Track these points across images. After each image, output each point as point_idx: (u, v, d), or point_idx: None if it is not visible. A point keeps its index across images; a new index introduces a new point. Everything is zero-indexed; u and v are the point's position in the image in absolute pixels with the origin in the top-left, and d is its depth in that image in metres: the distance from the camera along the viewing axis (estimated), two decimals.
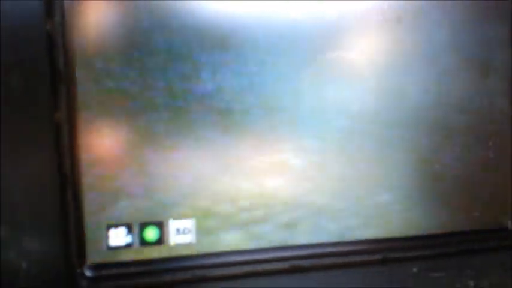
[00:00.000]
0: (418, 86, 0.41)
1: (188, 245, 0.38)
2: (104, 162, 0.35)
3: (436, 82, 0.41)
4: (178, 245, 0.38)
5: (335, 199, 0.41)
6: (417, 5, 0.40)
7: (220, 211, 0.38)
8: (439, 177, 0.43)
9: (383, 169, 0.41)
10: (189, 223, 0.38)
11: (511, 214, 0.45)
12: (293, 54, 0.38)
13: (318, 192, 0.40)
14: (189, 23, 0.36)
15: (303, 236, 0.40)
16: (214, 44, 0.36)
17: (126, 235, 0.37)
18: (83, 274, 0.35)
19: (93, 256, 0.36)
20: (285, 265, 0.40)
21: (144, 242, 0.37)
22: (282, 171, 0.39)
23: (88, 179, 0.35)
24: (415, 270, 0.41)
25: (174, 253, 0.38)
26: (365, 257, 0.41)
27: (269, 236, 0.39)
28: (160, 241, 0.37)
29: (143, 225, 0.37)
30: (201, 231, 0.38)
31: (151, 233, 0.37)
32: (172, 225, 0.38)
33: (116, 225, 0.36)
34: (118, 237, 0.36)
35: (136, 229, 0.37)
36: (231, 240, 0.39)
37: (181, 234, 0.38)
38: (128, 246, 0.37)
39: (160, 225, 0.37)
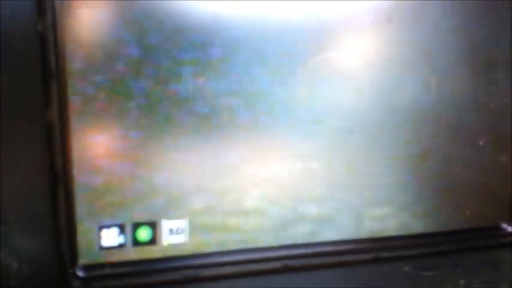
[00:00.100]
0: (413, 85, 0.41)
1: (181, 245, 0.38)
2: (96, 162, 0.35)
3: (430, 81, 0.42)
4: (171, 245, 0.38)
5: (325, 203, 0.41)
6: (409, 5, 0.40)
7: (213, 211, 0.38)
8: (432, 176, 0.43)
9: (375, 168, 0.42)
10: (182, 223, 0.38)
11: (509, 213, 0.45)
12: (283, 55, 0.38)
13: (309, 195, 0.40)
14: (184, 23, 0.36)
15: (294, 238, 0.40)
16: (214, 45, 0.36)
17: (119, 235, 0.36)
18: (75, 274, 0.35)
19: (86, 256, 0.36)
20: (277, 265, 0.40)
21: (136, 242, 0.37)
22: (277, 174, 0.39)
23: (80, 178, 0.35)
24: (407, 269, 0.41)
25: (167, 253, 0.38)
26: (357, 256, 0.41)
27: (262, 236, 0.40)
28: (153, 241, 0.37)
29: (136, 226, 0.37)
30: (194, 231, 0.38)
31: (144, 233, 0.37)
32: (165, 225, 0.37)
33: (109, 226, 0.36)
34: (110, 237, 0.36)
35: (128, 229, 0.37)
36: (224, 240, 0.39)
37: (174, 234, 0.38)
38: (121, 246, 0.36)
39: (153, 226, 0.37)
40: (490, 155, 0.44)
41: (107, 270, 0.36)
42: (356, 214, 0.41)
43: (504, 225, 0.46)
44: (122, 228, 0.36)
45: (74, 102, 0.34)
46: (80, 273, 0.35)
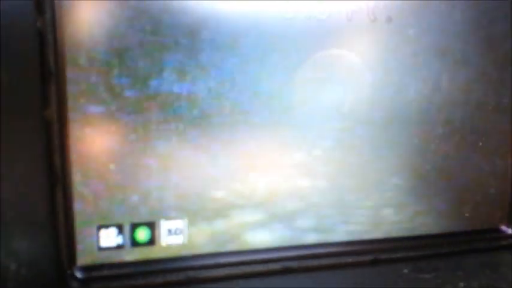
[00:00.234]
0: (413, 85, 0.41)
1: (180, 246, 0.38)
2: (95, 162, 0.35)
3: (430, 81, 0.42)
4: (170, 246, 0.37)
5: (325, 202, 0.41)
6: (408, 5, 0.40)
7: (211, 212, 0.38)
8: (431, 178, 0.43)
9: (374, 169, 0.42)
10: (180, 223, 0.37)
11: (509, 216, 0.45)
12: (282, 55, 0.38)
13: (307, 195, 0.40)
14: (182, 22, 0.35)
15: (294, 238, 0.40)
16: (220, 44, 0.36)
17: (117, 236, 0.36)
18: (73, 275, 0.35)
19: (84, 257, 0.35)
20: (276, 266, 0.39)
21: (135, 243, 0.37)
22: (275, 174, 0.39)
23: (79, 178, 0.35)
24: (405, 271, 0.41)
25: (165, 254, 0.37)
26: (355, 258, 0.41)
27: (259, 237, 0.39)
28: (151, 242, 0.37)
29: (134, 226, 0.37)
30: (192, 232, 0.38)
31: (142, 234, 0.37)
32: (164, 225, 0.37)
33: (107, 226, 0.36)
34: (109, 238, 0.36)
35: (127, 230, 0.36)
36: (223, 241, 0.39)
37: (173, 234, 0.37)
38: (119, 247, 0.36)
39: (152, 226, 0.37)
40: (490, 156, 0.44)
41: (106, 271, 0.36)
42: (354, 215, 0.41)
43: (504, 228, 0.46)
44: (120, 229, 0.36)
45: (73, 101, 0.34)
46: (78, 274, 0.35)
